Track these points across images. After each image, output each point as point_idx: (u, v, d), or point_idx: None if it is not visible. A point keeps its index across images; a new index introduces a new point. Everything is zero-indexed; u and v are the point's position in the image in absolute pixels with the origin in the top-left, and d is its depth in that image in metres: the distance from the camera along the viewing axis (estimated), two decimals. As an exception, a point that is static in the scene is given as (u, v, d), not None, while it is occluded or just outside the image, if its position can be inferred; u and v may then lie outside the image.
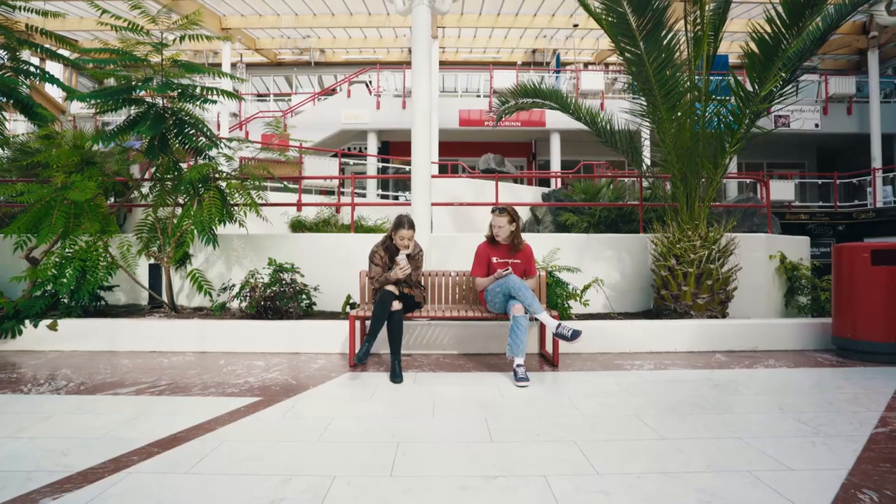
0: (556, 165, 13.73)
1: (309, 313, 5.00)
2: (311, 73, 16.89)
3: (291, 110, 13.66)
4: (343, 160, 12.23)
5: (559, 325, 3.17)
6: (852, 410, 2.50)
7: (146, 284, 5.34)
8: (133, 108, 4.65)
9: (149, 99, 4.67)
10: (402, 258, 3.28)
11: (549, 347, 3.86)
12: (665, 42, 4.12)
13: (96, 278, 4.41)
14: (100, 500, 1.56)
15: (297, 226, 8.62)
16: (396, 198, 15.53)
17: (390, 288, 3.22)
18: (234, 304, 4.66)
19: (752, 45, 3.95)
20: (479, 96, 14.52)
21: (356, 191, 13.59)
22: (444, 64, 14.51)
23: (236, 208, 5.25)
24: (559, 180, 13.10)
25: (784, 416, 2.37)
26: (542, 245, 5.23)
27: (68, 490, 1.61)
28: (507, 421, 2.33)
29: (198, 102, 4.58)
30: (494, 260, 3.51)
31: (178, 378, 3.16)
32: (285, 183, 5.41)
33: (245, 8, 11.62)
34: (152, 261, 5.10)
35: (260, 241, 5.49)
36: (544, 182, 14.64)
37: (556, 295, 4.13)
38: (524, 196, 9.02)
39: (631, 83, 4.76)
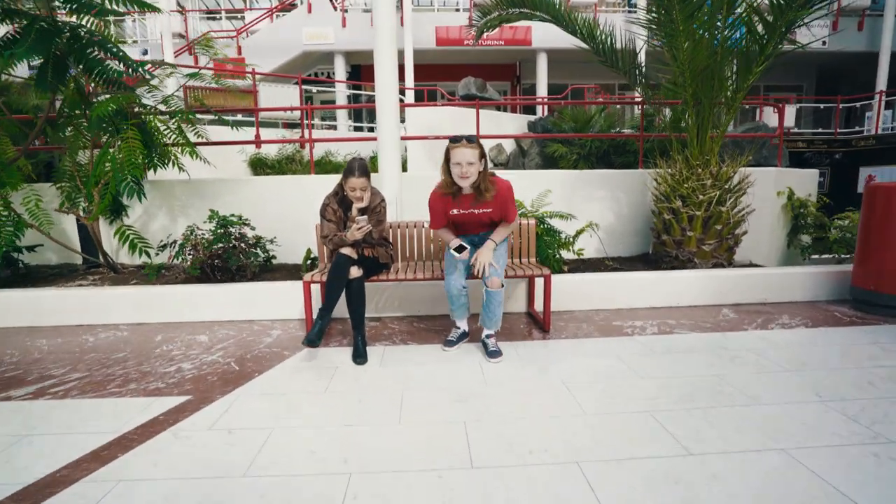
0: (542, 90, 12.67)
1: (268, 268, 4.42)
2: (268, -15, 14.83)
3: (244, 29, 12.06)
4: (308, 88, 10.97)
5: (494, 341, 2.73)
6: (889, 382, 2.11)
7: (76, 242, 4.63)
8: (15, 22, 3.65)
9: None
10: (357, 214, 2.65)
11: (538, 305, 3.40)
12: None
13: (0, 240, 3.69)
14: None
15: (258, 164, 7.77)
16: (372, 129, 14.40)
17: (346, 251, 2.62)
18: (179, 262, 4.02)
19: None
20: (458, 10, 12.99)
21: (327, 122, 12.44)
22: (417, -28, 12.78)
23: (175, 149, 4.45)
24: (546, 107, 12.15)
25: (826, 410, 1.96)
26: (528, 185, 4.62)
27: None
28: (489, 425, 1.87)
29: (89, 13, 3.58)
30: (454, 212, 2.60)
31: (96, 367, 2.62)
32: (228, 118, 4.53)
33: None
34: (70, 208, 4.35)
35: (206, 186, 4.75)
36: (529, 109, 13.61)
37: (547, 245, 3.59)
38: (508, 126, 8.20)
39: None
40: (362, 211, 2.71)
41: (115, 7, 3.82)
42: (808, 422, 1.85)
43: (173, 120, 4.14)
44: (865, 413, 1.91)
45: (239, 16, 14.26)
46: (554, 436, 1.78)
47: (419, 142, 6.67)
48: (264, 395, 2.23)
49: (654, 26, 4.04)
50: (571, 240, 3.94)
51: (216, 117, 4.62)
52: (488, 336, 2.70)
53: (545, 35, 11.77)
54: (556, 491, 1.45)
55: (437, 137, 5.22)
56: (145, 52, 13.02)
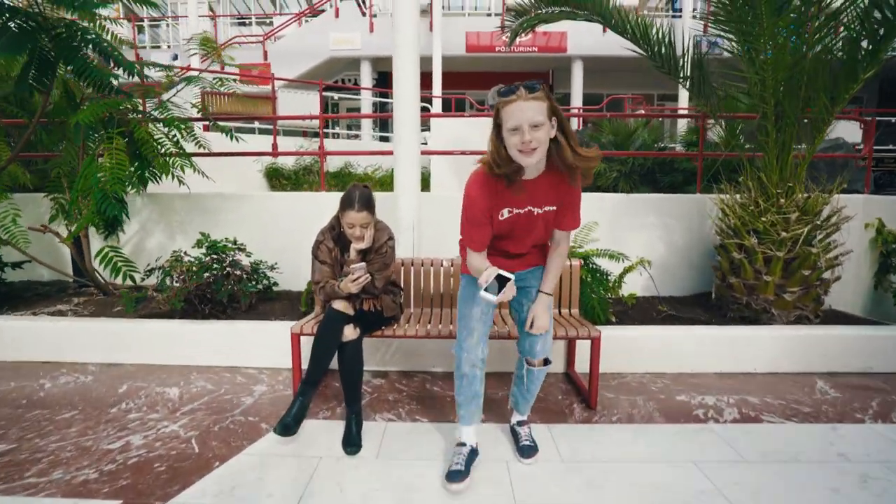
0: (577, 99, 11.97)
1: (268, 296, 3.92)
2: (298, -10, 14.69)
3: (271, 34, 11.84)
4: (330, 95, 10.61)
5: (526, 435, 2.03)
6: None
7: (68, 259, 4.26)
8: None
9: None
10: (355, 261, 2.07)
11: (580, 365, 2.75)
12: None
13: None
14: None
15: (274, 175, 7.36)
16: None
17: (339, 305, 2.05)
18: (161, 294, 3.55)
19: None
20: (489, 15, 12.46)
21: (353, 132, 12.06)
22: (448, -24, 12.34)
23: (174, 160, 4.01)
24: (580, 123, 11.46)
25: None
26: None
27: None
28: None
29: (73, 5, 3.16)
30: (505, 214, 1.64)
31: (31, 433, 2.12)
32: (225, 125, 4.07)
33: None
34: (45, 227, 3.95)
35: (208, 202, 4.30)
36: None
37: (592, 292, 2.93)
38: (542, 139, 7.55)
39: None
40: (363, 253, 2.13)
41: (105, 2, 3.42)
42: None
43: (169, 128, 3.69)
44: None
45: (268, 21, 14.14)
46: None
47: (442, 157, 6.11)
48: (217, 505, 1.66)
49: (725, 26, 3.35)
50: (618, 281, 3.27)
51: (211, 123, 4.16)
52: (520, 423, 2.06)
53: (581, 41, 11.10)
54: None
55: (462, 153, 4.64)
56: (175, 57, 12.99)
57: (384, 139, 11.61)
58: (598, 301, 2.91)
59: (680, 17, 11.31)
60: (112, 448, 2.01)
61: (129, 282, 3.48)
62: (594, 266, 3.07)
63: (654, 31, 3.81)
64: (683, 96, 10.84)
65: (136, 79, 3.79)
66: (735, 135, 4.06)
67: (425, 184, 5.72)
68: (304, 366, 2.52)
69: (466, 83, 13.09)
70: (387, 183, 6.85)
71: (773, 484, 1.77)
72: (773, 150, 3.32)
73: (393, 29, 3.38)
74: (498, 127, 1.48)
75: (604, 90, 12.98)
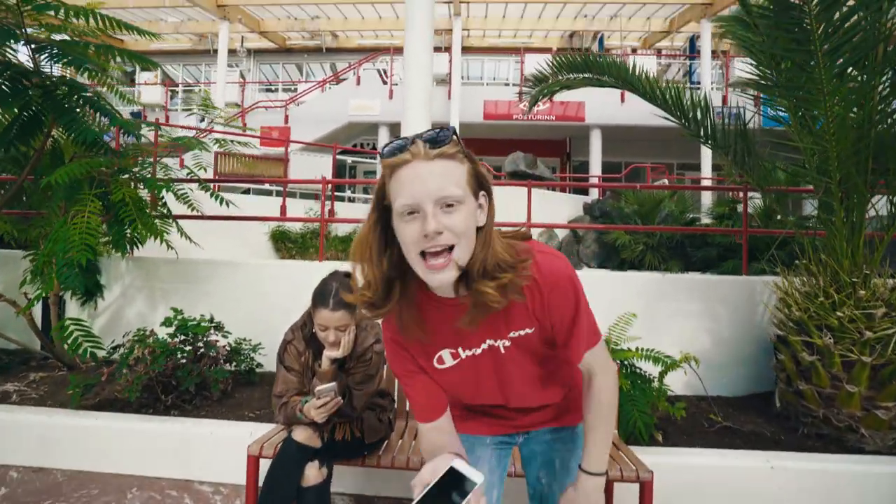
0: (595, 167, 11.80)
1: (251, 380, 3.41)
2: (324, 60, 15.40)
3: (294, 100, 12.20)
4: (347, 158, 10.66)
5: None
6: None
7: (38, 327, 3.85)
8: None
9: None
10: (326, 374, 1.56)
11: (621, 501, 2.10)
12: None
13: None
14: None
15: (280, 238, 7.08)
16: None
17: (301, 435, 1.53)
18: (118, 380, 3.06)
19: None
20: (507, 84, 12.72)
21: (366, 195, 12.02)
22: (467, 49, 12.76)
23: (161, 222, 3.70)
24: (600, 192, 11.24)
25: None
26: (594, 293, 3.44)
27: None
28: None
29: (62, 62, 2.97)
30: (449, 359, 1.00)
31: None
32: (218, 195, 3.77)
33: (243, -18, 10.19)
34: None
35: (197, 269, 3.93)
36: (581, 192, 12.75)
37: (634, 405, 2.33)
38: (561, 208, 7.21)
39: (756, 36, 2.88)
40: (339, 363, 1.63)
41: (105, 63, 3.28)
42: None
43: (158, 190, 3.39)
44: None
45: (293, 87, 14.72)
46: None
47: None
48: None
49: (774, 92, 2.99)
50: (661, 386, 2.67)
51: (201, 185, 3.88)
52: None
53: (600, 111, 11.09)
54: None
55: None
56: (202, 120, 13.46)
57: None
58: (640, 415, 2.30)
59: (699, 88, 11.32)
60: None
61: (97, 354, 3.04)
62: (634, 369, 2.50)
63: (687, 98, 3.49)
64: (705, 165, 10.56)
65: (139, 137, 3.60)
66: (783, 209, 3.60)
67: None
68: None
69: (484, 150, 13.15)
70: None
71: None
72: (841, 230, 2.82)
73: (404, 91, 3.11)
74: (384, 211, 0.87)
75: (622, 158, 12.85)
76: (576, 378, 1.14)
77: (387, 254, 0.88)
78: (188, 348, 2.99)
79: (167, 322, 2.95)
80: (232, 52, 12.79)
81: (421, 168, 0.80)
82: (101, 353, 3.27)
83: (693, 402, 3.25)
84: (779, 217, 3.52)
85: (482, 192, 0.88)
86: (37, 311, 3.98)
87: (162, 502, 2.19)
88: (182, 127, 7.51)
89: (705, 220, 6.83)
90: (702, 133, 3.46)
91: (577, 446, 1.14)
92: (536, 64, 12.02)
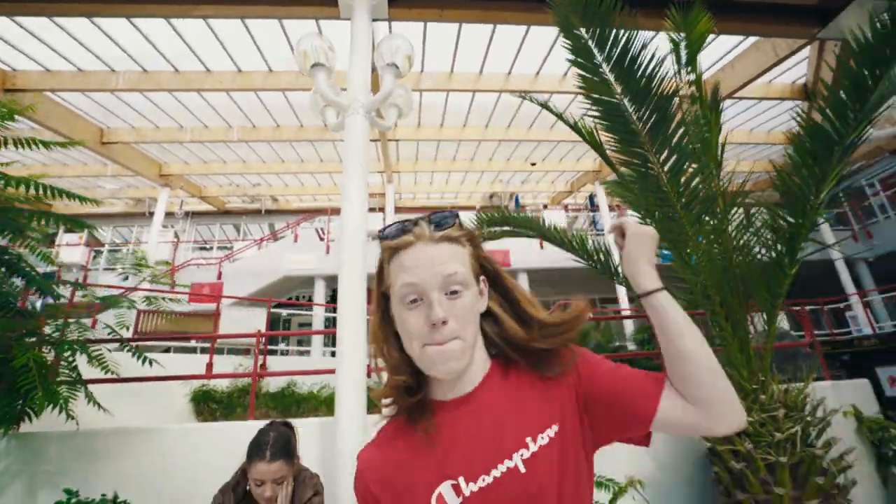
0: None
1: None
2: (262, 221, 16.12)
3: (228, 257, 12.35)
4: (282, 312, 10.56)
5: None
6: None
7: None
8: None
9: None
10: None
11: None
12: (675, 140, 3.12)
13: None
14: None
15: (203, 399, 6.51)
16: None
17: None
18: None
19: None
20: (438, 237, 13.91)
21: (300, 347, 11.65)
22: (400, 209, 14.12)
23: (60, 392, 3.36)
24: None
25: None
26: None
27: None
28: None
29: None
30: (453, 491, 0.74)
31: None
32: (142, 354, 3.62)
33: (189, 156, 11.01)
34: None
35: (98, 441, 3.49)
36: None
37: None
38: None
39: (634, 199, 3.64)
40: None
41: (41, 226, 3.35)
42: None
43: (70, 352, 3.19)
44: None
45: (229, 246, 14.97)
46: None
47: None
48: None
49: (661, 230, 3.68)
50: (613, 510, 2.65)
51: (122, 346, 3.71)
52: None
53: (524, 256, 12.28)
54: None
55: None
56: (126, 278, 12.98)
57: (334, 354, 11.19)
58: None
59: (603, 234, 13.13)
60: None
61: None
62: None
63: (591, 243, 4.16)
64: (622, 297, 11.68)
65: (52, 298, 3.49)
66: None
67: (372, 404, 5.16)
68: None
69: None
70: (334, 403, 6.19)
71: None
72: (733, 343, 3.27)
73: (340, 246, 3.42)
74: (384, 302, 0.83)
75: (549, 297, 13.85)
76: None
77: (392, 345, 0.79)
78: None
79: None
80: (169, 214, 13.12)
81: (426, 250, 0.77)
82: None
83: (650, 534, 3.17)
84: None
85: (483, 278, 0.83)
86: None
87: None
88: (104, 286, 7.24)
89: (631, 346, 7.37)
90: (607, 272, 4.06)
91: None
92: (465, 220, 13.48)
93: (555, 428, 0.78)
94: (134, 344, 3.55)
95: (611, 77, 2.97)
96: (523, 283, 12.92)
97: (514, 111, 9.14)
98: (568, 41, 3.05)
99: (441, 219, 0.81)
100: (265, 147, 10.70)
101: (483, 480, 0.75)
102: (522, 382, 0.81)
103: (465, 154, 11.72)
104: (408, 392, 0.78)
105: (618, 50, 2.87)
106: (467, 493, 0.74)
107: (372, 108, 3.92)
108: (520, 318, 0.83)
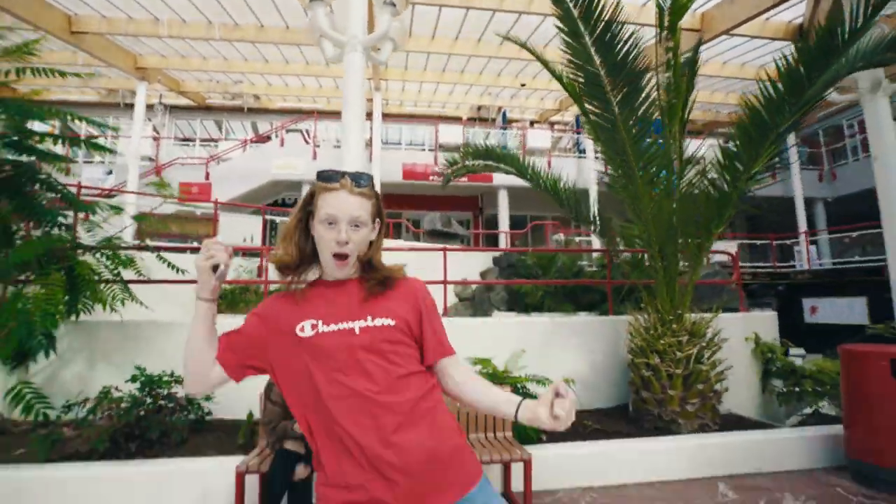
0: (504, 221, 13.31)
1: (199, 427, 3.75)
2: (245, 119, 15.73)
3: (215, 158, 12.39)
4: (272, 217, 11.02)
5: None
6: None
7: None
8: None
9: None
10: None
11: (515, 485, 2.90)
12: (642, 109, 3.57)
13: None
14: None
15: (208, 295, 7.25)
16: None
17: (291, 445, 2.16)
18: (82, 433, 3.30)
19: (745, 118, 3.40)
20: (423, 149, 14.05)
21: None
22: (387, 116, 13.99)
23: (107, 290, 3.98)
24: (508, 241, 12.65)
25: None
26: (500, 336, 4.39)
27: None
28: None
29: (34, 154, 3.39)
30: (307, 331, 1.15)
31: None
32: (169, 263, 4.18)
33: (165, 49, 10.50)
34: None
35: (140, 330, 4.20)
36: (492, 239, 14.16)
37: (525, 414, 3.21)
38: (474, 265, 8.28)
39: (603, 150, 4.14)
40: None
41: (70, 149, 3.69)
42: None
43: (107, 258, 3.75)
44: None
45: (213, 143, 14.79)
46: None
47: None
48: None
49: (614, 187, 4.25)
50: (548, 399, 3.60)
51: (142, 243, 4.27)
52: None
53: (505, 176, 12.74)
54: None
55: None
56: (110, 173, 12.99)
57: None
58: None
59: (585, 157, 13.50)
60: None
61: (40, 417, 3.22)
62: (524, 390, 3.39)
63: (562, 184, 4.70)
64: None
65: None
66: (636, 266, 4.87)
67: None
68: (247, 508, 2.47)
69: (404, 203, 14.20)
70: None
71: None
72: (661, 281, 4.05)
73: (343, 155, 3.88)
74: (307, 215, 1.21)
75: (527, 212, 14.57)
76: (439, 407, 1.17)
77: (301, 244, 1.21)
78: (149, 400, 3.34)
79: (133, 378, 3.30)
80: (148, 107, 12.75)
81: (345, 197, 1.15)
82: (53, 413, 3.47)
83: (576, 414, 4.21)
84: (637, 269, 4.79)
85: (377, 219, 1.24)
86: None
87: (144, 533, 2.55)
88: (114, 189, 7.50)
89: (592, 269, 8.28)
90: (573, 214, 4.67)
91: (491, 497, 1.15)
92: (449, 136, 13.32)
93: (389, 321, 1.16)
94: (153, 250, 4.10)
95: (592, 49, 3.31)
96: (504, 200, 13.53)
97: (508, 29, 8.95)
98: (557, 7, 3.30)
99: (361, 179, 1.19)
100: (248, 46, 10.28)
101: (330, 327, 1.13)
102: (376, 290, 1.21)
103: (455, 66, 11.50)
104: (289, 268, 1.22)
105: (601, 25, 3.17)
106: (319, 331, 1.13)
107: (369, 44, 4.13)
108: (375, 254, 1.25)
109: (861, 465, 3.14)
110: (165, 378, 3.43)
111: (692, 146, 4.26)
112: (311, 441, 1.13)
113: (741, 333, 5.04)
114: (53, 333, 3.28)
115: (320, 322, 1.14)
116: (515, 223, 13.90)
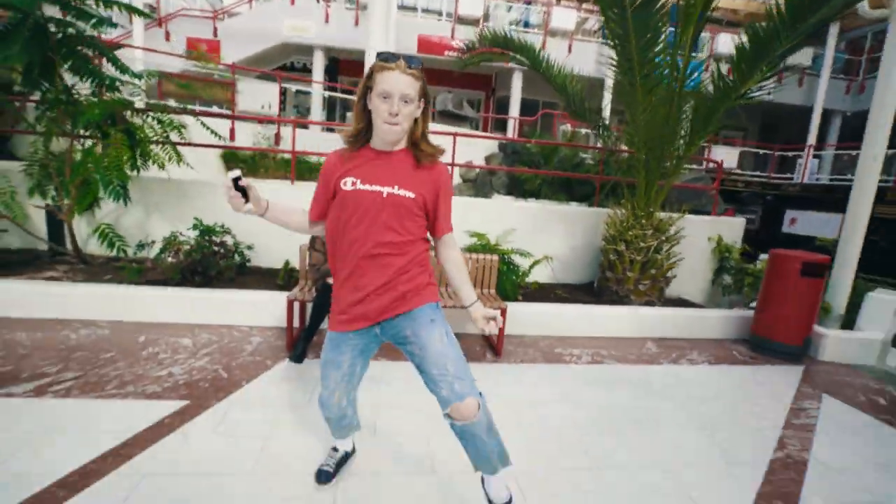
0: (515, 105, 13.22)
1: (243, 271, 4.65)
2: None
3: (223, 12, 11.82)
4: (286, 84, 10.96)
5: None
6: (758, 428, 2.74)
7: (43, 231, 4.64)
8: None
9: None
10: None
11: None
12: (653, 21, 3.78)
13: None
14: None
15: (231, 158, 7.82)
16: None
17: (332, 281, 2.97)
18: (158, 263, 4.19)
19: (745, 40, 3.67)
20: (440, 19, 13.28)
21: (297, 113, 12.41)
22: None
23: (156, 151, 4.56)
24: (517, 127, 12.72)
25: (700, 436, 2.56)
26: (495, 217, 5.09)
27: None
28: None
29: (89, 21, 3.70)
30: (348, 184, 1.48)
31: (89, 366, 2.84)
32: (193, 107, 4.67)
33: None
34: (49, 204, 4.38)
35: (185, 187, 4.88)
36: (501, 124, 14.16)
37: (508, 281, 4.07)
38: (480, 148, 8.67)
39: (614, 57, 4.37)
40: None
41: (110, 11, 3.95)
42: (687, 447, 2.42)
43: (155, 121, 4.26)
44: (729, 440, 2.51)
45: (216, -6, 13.88)
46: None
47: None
48: (256, 403, 2.56)
49: (619, 90, 4.58)
50: (528, 271, 4.45)
51: (183, 107, 4.75)
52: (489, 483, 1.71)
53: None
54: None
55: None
56: (114, 26, 12.46)
57: (330, 130, 12.17)
58: (510, 285, 4.06)
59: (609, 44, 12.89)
60: (161, 375, 2.80)
61: (106, 252, 4.03)
62: (509, 260, 4.20)
63: (571, 84, 4.99)
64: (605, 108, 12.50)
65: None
66: (625, 166, 5.40)
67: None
68: (296, 324, 3.41)
69: (415, 79, 13.92)
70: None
71: (597, 394, 2.98)
72: (642, 183, 4.63)
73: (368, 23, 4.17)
74: (366, 90, 1.46)
75: (540, 97, 14.36)
76: (425, 264, 1.57)
77: (363, 116, 1.48)
78: (207, 245, 4.16)
79: (195, 227, 4.08)
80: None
81: (398, 76, 1.38)
82: (130, 252, 4.32)
83: (550, 286, 5.14)
84: (623, 169, 5.33)
85: (422, 100, 1.47)
86: (36, 216, 4.71)
87: (221, 335, 3.52)
88: (109, 41, 7.51)
89: (591, 164, 8.73)
90: (579, 112, 5.03)
91: (426, 320, 1.53)
92: (469, 6, 12.41)
93: (410, 194, 1.47)
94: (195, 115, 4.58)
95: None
96: (517, 82, 13.26)
97: None
98: None
99: (412, 61, 1.43)
100: None
101: (366, 186, 1.45)
102: (413, 164, 1.50)
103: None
104: (357, 138, 1.51)
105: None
106: (358, 187, 1.46)
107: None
108: (423, 130, 1.52)
109: (758, 339, 4.11)
110: (218, 228, 4.21)
111: (716, 41, 4.47)
112: (332, 269, 1.59)
113: (707, 234, 5.78)
114: (126, 185, 3.94)
115: (359, 181, 1.46)
116: (527, 108, 13.80)
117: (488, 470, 1.64)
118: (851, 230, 4.50)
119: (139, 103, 4.48)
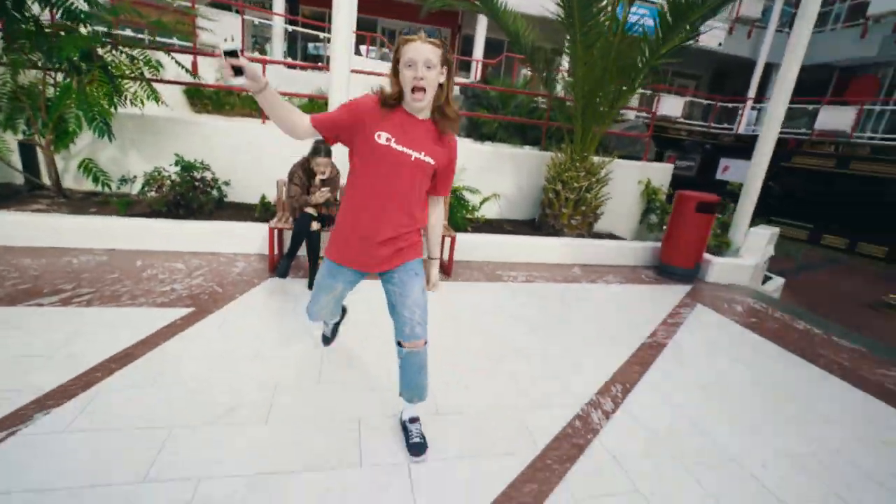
0: (479, 46, 13.26)
1: (221, 206, 5.08)
2: None
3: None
4: (247, 18, 10.54)
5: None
6: (639, 324, 3.65)
7: (18, 165, 4.85)
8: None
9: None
10: (320, 185, 3.55)
11: (445, 254, 4.58)
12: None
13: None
14: (88, 412, 2.00)
15: (194, 94, 7.83)
16: (316, 59, 14.15)
17: (309, 210, 3.53)
18: (143, 196, 4.56)
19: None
20: (404, -51, 12.80)
21: (258, 51, 12.03)
22: None
23: (135, 88, 4.75)
24: (481, 70, 12.85)
25: (597, 330, 3.43)
26: (458, 155, 5.64)
27: (52, 407, 2.01)
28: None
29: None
30: (381, 138, 1.66)
31: (99, 283, 3.35)
32: (175, 58, 4.88)
33: None
34: (21, 137, 4.57)
35: (159, 125, 5.13)
36: (465, 65, 14.18)
37: (458, 215, 4.73)
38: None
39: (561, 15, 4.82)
40: (324, 182, 3.59)
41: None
42: (588, 336, 3.29)
43: (128, 57, 4.45)
44: (619, 332, 3.40)
45: None
46: (445, 336, 3.01)
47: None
48: (250, 309, 3.19)
49: (567, 46, 5.07)
50: (478, 206, 5.12)
51: (152, 39, 4.89)
52: (412, 420, 2.07)
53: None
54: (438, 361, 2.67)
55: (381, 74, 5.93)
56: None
57: (291, 67, 11.93)
58: (461, 218, 4.74)
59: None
60: (165, 290, 3.36)
61: (84, 186, 4.33)
62: (460, 195, 4.84)
63: (523, 32, 5.41)
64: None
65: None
66: (566, 113, 6.00)
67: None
68: (276, 250, 3.97)
69: (380, 9, 13.58)
70: (305, 109, 7.83)
71: (529, 304, 3.79)
72: (579, 129, 5.27)
73: None
74: (396, 63, 1.63)
75: (504, 38, 14.38)
76: (419, 222, 1.83)
77: (394, 86, 1.66)
78: (189, 180, 4.54)
79: (176, 163, 4.44)
80: None
81: (420, 45, 1.58)
82: (113, 186, 4.64)
83: (498, 222, 5.85)
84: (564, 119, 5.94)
85: (445, 66, 1.65)
86: (13, 152, 4.88)
87: (210, 260, 4.05)
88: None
89: (544, 108, 9.22)
90: (531, 61, 5.50)
91: (413, 273, 1.84)
92: None
93: (431, 161, 1.71)
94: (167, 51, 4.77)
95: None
96: (482, 22, 13.20)
97: None
98: None
99: (432, 34, 1.62)
100: None
101: (399, 147, 1.66)
102: (435, 133, 1.72)
103: None
104: (393, 98, 1.67)
105: None
106: (391, 145, 1.65)
107: None
108: (447, 96, 1.69)
109: (663, 265, 5.02)
110: (198, 164, 4.59)
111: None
112: (342, 205, 1.80)
113: (638, 178, 6.57)
114: (109, 121, 4.20)
115: (393, 139, 1.66)
116: (491, 48, 13.86)
117: (409, 397, 1.99)
118: (752, 177, 5.36)
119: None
